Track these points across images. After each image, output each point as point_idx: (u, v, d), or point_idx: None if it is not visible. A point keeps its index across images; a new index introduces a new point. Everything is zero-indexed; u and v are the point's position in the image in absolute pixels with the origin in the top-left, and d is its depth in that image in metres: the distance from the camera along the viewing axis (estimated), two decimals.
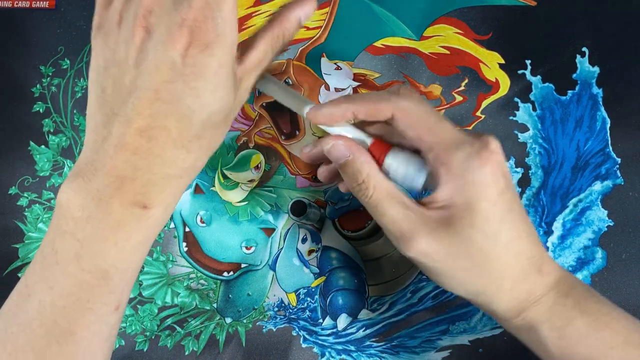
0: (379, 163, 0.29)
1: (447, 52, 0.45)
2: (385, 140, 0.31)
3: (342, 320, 0.43)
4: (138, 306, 0.44)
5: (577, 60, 0.45)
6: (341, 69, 0.45)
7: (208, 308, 0.44)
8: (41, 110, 0.46)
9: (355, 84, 0.45)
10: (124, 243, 0.27)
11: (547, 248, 0.43)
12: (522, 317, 0.30)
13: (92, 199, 0.26)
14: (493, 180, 0.28)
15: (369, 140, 0.30)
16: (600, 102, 0.45)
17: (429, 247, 0.28)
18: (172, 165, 0.27)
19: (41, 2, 0.47)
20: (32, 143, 0.46)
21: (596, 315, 0.30)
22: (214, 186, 0.45)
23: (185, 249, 0.44)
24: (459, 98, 0.45)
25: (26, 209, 0.45)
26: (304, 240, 0.44)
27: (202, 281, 0.44)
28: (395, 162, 0.29)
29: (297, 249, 0.44)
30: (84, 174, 0.27)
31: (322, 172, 0.35)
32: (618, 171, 0.44)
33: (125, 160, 0.26)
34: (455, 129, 0.29)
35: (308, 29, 0.46)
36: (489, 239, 0.28)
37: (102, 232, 0.27)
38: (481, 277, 0.29)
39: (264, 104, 0.45)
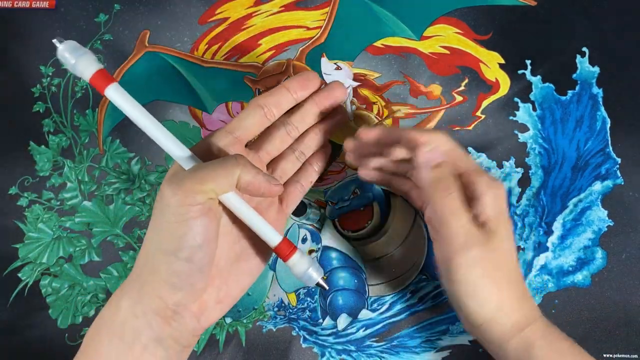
0: (285, 258, 0.33)
1: (447, 52, 0.45)
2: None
3: (342, 320, 0.43)
4: None
5: (577, 60, 0.45)
6: (341, 69, 0.45)
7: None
8: (41, 110, 0.46)
9: (355, 84, 0.45)
10: None
11: (547, 248, 0.43)
12: (520, 336, 0.33)
13: None
14: (505, 204, 0.34)
15: (277, 239, 0.33)
16: (600, 102, 0.45)
17: (480, 255, 0.32)
18: None
19: (41, 2, 0.47)
20: (32, 143, 0.45)
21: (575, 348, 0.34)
22: None
23: None
24: (459, 98, 0.45)
25: (26, 209, 0.45)
26: (304, 240, 0.44)
27: None
28: (299, 262, 0.33)
29: None
30: None
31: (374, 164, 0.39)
32: (618, 171, 0.44)
33: None
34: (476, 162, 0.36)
35: (308, 29, 0.46)
36: (510, 255, 0.34)
37: None
38: (501, 291, 0.33)
39: None
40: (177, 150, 0.31)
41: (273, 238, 0.32)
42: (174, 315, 0.30)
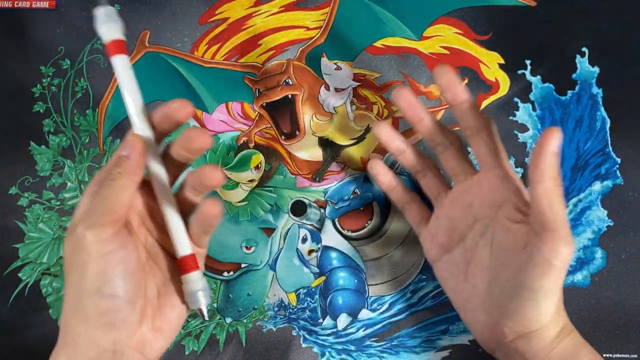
0: (183, 272, 0.32)
1: (447, 52, 0.45)
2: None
3: (342, 320, 0.43)
4: None
5: (577, 60, 0.45)
6: (341, 69, 0.45)
7: (208, 308, 0.44)
8: (41, 111, 0.46)
9: (355, 84, 0.45)
10: None
11: None
12: (563, 345, 0.32)
13: None
14: None
15: (187, 251, 0.32)
16: (600, 102, 0.45)
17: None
18: None
19: (41, 2, 0.47)
20: (32, 143, 0.46)
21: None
22: None
23: None
24: None
25: (26, 209, 0.45)
26: (304, 240, 0.44)
27: None
28: (194, 280, 0.32)
29: (297, 249, 0.44)
30: None
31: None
32: (618, 171, 0.44)
33: None
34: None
35: (308, 29, 0.46)
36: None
37: None
38: (559, 298, 0.32)
39: (264, 104, 0.45)
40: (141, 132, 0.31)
41: (184, 248, 0.32)
42: (115, 355, 0.30)
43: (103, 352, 0.29)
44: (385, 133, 0.38)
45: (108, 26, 0.31)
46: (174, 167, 0.33)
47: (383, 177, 0.40)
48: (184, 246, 0.32)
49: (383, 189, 0.41)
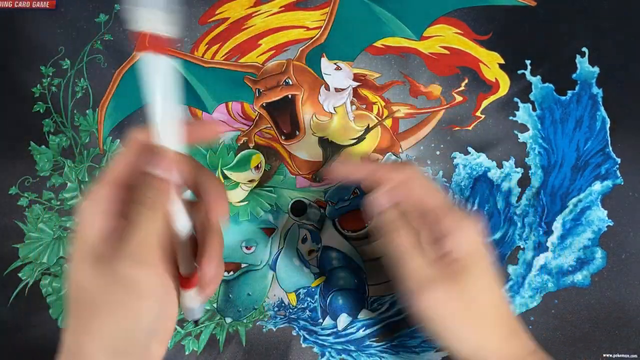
0: (186, 287, 0.31)
1: (447, 52, 0.45)
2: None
3: (342, 320, 0.43)
4: None
5: (577, 60, 0.45)
6: (341, 69, 0.45)
7: (208, 308, 0.44)
8: (41, 111, 0.46)
9: (355, 84, 0.45)
10: None
11: (547, 248, 0.43)
12: None
13: None
14: (479, 242, 0.32)
15: (190, 269, 0.30)
16: (600, 102, 0.45)
17: (444, 296, 0.30)
18: None
19: (41, 2, 0.47)
20: (32, 143, 0.46)
21: None
22: None
23: None
24: (459, 98, 0.45)
25: (26, 209, 0.45)
26: (304, 240, 0.44)
27: None
28: (194, 297, 0.31)
29: (297, 249, 0.44)
30: None
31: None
32: (618, 171, 0.44)
33: None
34: (448, 199, 0.33)
35: (308, 29, 0.46)
36: (488, 293, 0.32)
37: None
38: (478, 329, 0.31)
39: (264, 104, 0.45)
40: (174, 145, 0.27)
41: (188, 266, 0.31)
42: None
43: None
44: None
45: (164, 15, 0.25)
46: None
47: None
48: (188, 265, 0.31)
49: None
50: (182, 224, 0.29)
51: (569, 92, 0.45)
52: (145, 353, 0.27)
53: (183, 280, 0.31)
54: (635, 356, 0.42)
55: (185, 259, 0.30)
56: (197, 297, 0.32)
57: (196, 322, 0.33)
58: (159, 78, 0.26)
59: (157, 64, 0.26)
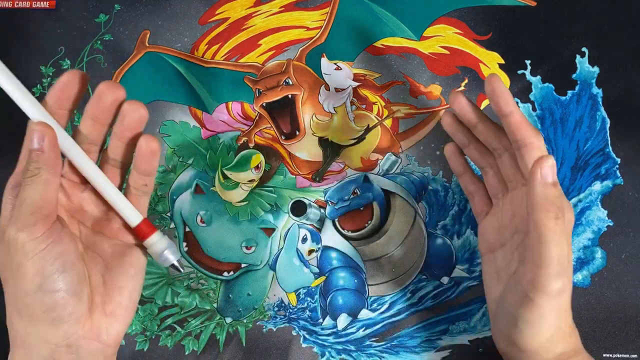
0: (143, 238, 0.33)
1: (447, 52, 0.45)
2: None
3: (342, 320, 0.43)
4: (138, 306, 0.44)
5: (577, 60, 0.45)
6: (341, 69, 0.45)
7: (208, 308, 0.44)
8: None
9: (355, 84, 0.45)
10: None
11: None
12: None
13: None
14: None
15: (137, 219, 0.33)
16: (600, 102, 0.45)
17: (569, 287, 0.31)
18: None
19: (41, 2, 0.47)
20: None
21: None
22: (214, 186, 0.45)
23: (186, 249, 0.44)
24: None
25: None
26: (304, 240, 0.44)
27: (202, 281, 0.44)
28: (157, 242, 0.33)
29: (297, 249, 0.44)
30: None
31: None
32: (618, 171, 0.44)
33: None
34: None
35: (308, 29, 0.46)
36: (570, 287, 0.31)
37: None
38: (558, 322, 0.32)
39: (264, 104, 0.45)
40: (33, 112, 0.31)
41: (135, 216, 0.32)
42: (70, 349, 0.30)
43: (56, 348, 0.29)
44: (460, 107, 0.37)
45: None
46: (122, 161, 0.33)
47: (453, 160, 0.41)
48: (134, 215, 0.32)
49: (453, 169, 0.41)
50: (101, 183, 0.32)
51: (569, 92, 0.45)
52: (41, 309, 0.29)
53: (137, 232, 0.33)
54: (635, 356, 0.42)
55: (124, 211, 0.32)
56: (160, 240, 0.33)
57: (177, 269, 0.34)
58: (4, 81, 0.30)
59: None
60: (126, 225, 0.33)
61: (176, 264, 0.34)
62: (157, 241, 0.33)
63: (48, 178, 0.29)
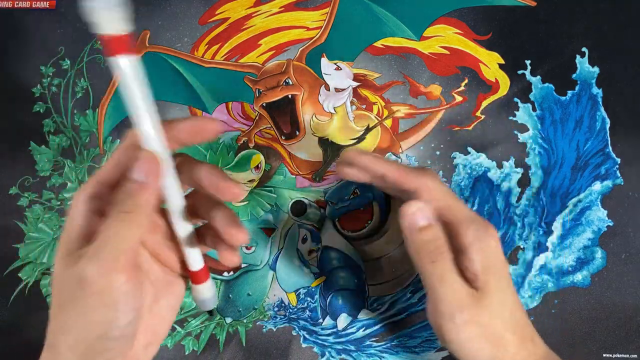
0: (195, 282, 0.31)
1: (447, 52, 0.45)
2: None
3: (342, 320, 0.43)
4: None
5: (576, 61, 0.45)
6: (341, 69, 0.45)
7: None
8: (41, 111, 0.46)
9: (355, 84, 0.45)
10: None
11: (547, 248, 0.43)
12: None
13: None
14: (499, 251, 0.32)
15: (199, 266, 0.31)
16: (600, 102, 0.45)
17: (477, 316, 0.30)
18: None
19: (41, 2, 0.47)
20: (32, 143, 0.46)
21: None
22: None
23: None
24: (458, 98, 0.45)
25: (26, 209, 0.45)
26: (304, 240, 0.44)
27: None
28: (207, 289, 0.32)
29: (297, 249, 0.44)
30: None
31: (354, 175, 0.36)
32: (618, 171, 0.44)
33: None
34: (467, 208, 0.33)
35: (308, 29, 0.46)
36: (506, 305, 0.32)
37: None
38: (494, 344, 0.31)
39: (264, 104, 0.45)
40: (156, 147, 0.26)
41: (196, 263, 0.31)
42: None
43: None
44: (353, 177, 0.35)
45: (109, 13, 0.23)
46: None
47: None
48: (198, 260, 0.31)
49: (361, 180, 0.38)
50: (181, 226, 0.29)
51: (569, 92, 0.45)
52: (98, 350, 0.26)
53: (193, 275, 0.31)
54: (635, 356, 0.42)
55: (191, 255, 0.31)
56: (209, 289, 0.32)
57: (210, 313, 0.33)
58: (129, 80, 0.25)
59: (123, 66, 0.25)
60: (182, 258, 0.31)
61: (214, 311, 0.33)
62: (208, 288, 0.32)
63: (141, 221, 0.26)
